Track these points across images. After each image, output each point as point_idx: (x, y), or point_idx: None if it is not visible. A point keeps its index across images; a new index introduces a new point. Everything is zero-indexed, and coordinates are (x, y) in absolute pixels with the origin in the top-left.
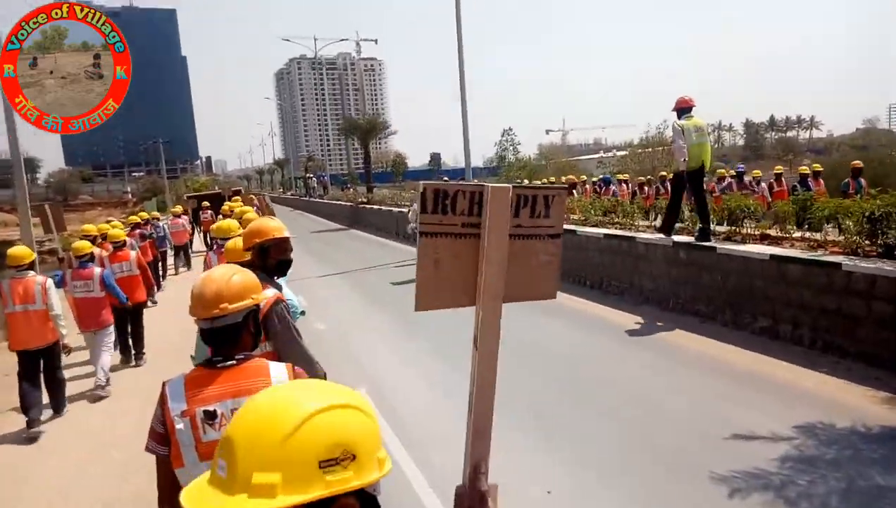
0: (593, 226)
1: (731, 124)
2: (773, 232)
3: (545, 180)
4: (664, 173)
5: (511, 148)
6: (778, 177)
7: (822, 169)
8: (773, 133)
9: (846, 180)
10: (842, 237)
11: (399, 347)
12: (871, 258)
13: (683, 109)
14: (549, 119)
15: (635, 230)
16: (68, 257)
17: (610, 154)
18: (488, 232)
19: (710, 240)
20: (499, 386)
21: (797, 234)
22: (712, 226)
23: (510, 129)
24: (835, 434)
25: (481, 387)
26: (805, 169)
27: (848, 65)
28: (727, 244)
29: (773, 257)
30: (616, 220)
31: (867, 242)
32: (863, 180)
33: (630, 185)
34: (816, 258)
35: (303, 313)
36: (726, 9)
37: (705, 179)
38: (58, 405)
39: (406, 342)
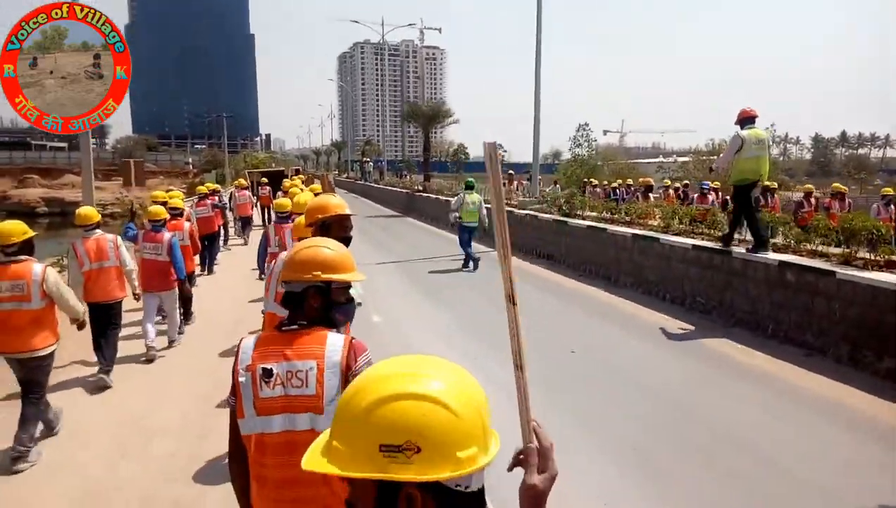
0: (675, 234)
1: (797, 138)
2: None
3: (604, 182)
4: (768, 184)
5: (586, 144)
6: None
7: None
8: (844, 149)
9: None
10: None
11: (456, 344)
12: None
13: (746, 119)
14: (607, 120)
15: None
16: (140, 220)
17: (671, 159)
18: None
19: (767, 250)
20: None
21: None
22: (820, 246)
23: (586, 124)
24: None
25: (521, 340)
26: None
27: None
28: (849, 270)
29: None
30: (703, 230)
31: None
32: None
33: (721, 193)
34: None
35: (359, 304)
36: (798, 25)
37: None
38: (107, 364)
39: (463, 340)
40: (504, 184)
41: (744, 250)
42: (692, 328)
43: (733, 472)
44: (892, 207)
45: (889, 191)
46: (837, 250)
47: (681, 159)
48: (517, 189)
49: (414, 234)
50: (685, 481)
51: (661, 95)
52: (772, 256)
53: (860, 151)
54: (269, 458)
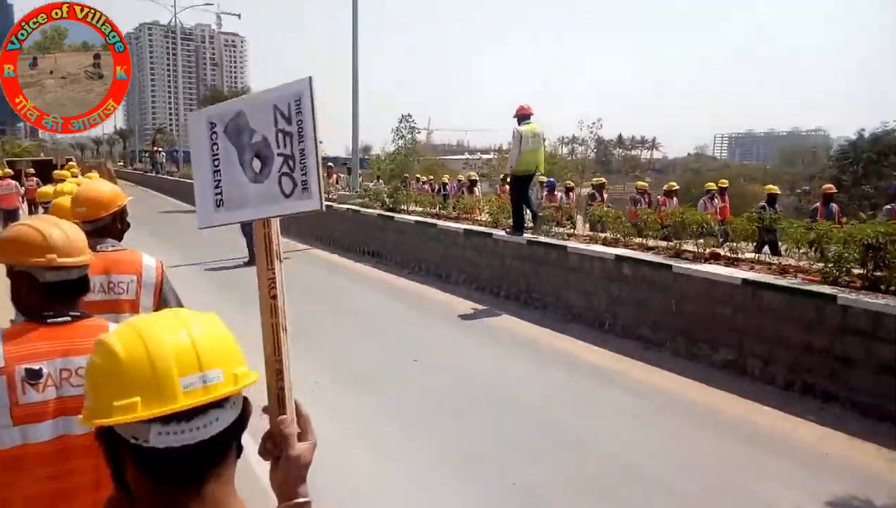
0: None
1: (583, 139)
2: (721, 252)
3: (429, 176)
4: (601, 180)
5: (409, 136)
6: (722, 192)
7: (727, 185)
8: (621, 150)
9: (816, 205)
10: (805, 263)
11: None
12: (862, 292)
13: (523, 116)
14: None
15: (562, 238)
16: None
17: (476, 156)
18: None
19: (522, 235)
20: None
21: (748, 256)
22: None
23: (409, 115)
24: None
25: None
26: (773, 188)
27: (689, 95)
28: (683, 263)
29: (746, 282)
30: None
31: (856, 272)
32: (834, 206)
33: (572, 192)
34: (804, 288)
35: None
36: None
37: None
38: None
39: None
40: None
41: (581, 246)
42: (530, 324)
43: (557, 461)
44: (717, 201)
45: (712, 186)
46: (664, 244)
47: (485, 156)
48: (336, 182)
49: (218, 231)
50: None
51: (465, 97)
52: (609, 250)
53: (633, 151)
54: (32, 472)
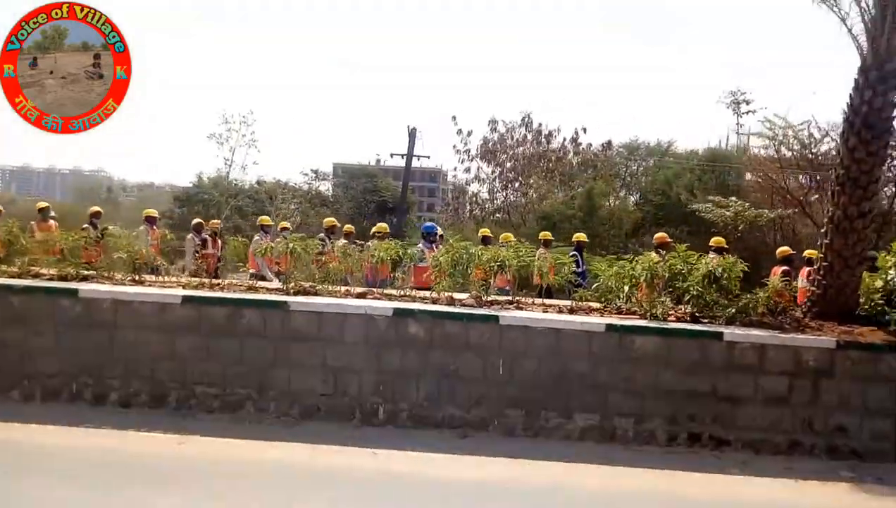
0: (131, 284)
1: None
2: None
3: None
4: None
5: None
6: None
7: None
8: None
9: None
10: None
11: None
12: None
13: None
14: None
15: (269, 293)
16: None
17: None
18: None
19: None
20: None
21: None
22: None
23: None
24: None
25: None
26: (581, 236)
27: None
28: (517, 312)
29: (612, 327)
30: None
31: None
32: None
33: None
34: (687, 328)
35: None
36: None
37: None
38: None
39: None
40: None
41: (317, 300)
42: (219, 439)
43: None
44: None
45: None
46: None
47: None
48: None
49: None
50: None
51: None
52: (384, 304)
53: None
54: None
